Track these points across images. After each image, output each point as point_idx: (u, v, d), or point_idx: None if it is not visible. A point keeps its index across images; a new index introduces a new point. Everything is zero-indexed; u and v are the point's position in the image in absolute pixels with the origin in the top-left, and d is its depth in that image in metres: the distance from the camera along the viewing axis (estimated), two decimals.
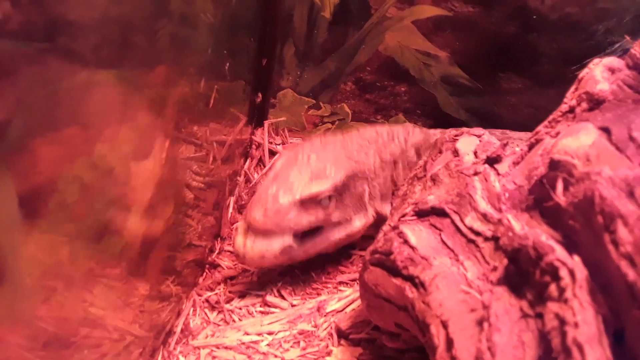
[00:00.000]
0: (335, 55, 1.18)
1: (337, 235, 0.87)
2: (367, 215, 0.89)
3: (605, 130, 0.47)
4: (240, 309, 0.84)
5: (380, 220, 0.90)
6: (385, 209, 0.91)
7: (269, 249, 0.80)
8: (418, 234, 0.60)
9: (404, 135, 0.97)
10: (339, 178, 0.84)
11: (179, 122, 0.75)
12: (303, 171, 0.84)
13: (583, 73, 0.59)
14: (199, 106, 0.83)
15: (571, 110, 0.58)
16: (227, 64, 0.92)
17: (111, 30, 0.53)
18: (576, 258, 0.40)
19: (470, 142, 0.70)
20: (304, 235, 0.84)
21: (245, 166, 1.13)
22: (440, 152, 0.73)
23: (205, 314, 0.83)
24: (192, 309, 0.83)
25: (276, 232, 0.80)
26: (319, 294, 0.87)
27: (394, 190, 0.92)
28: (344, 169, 0.86)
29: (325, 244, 0.87)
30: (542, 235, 0.43)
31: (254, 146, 1.19)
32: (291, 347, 0.77)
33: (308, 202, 0.81)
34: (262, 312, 0.83)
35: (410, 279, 0.57)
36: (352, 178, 0.86)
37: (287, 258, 0.83)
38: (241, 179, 1.11)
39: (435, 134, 0.96)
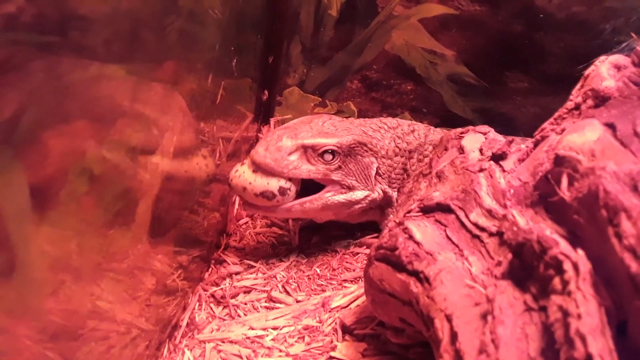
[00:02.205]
0: (342, 53, 1.18)
1: (336, 198, 0.89)
2: (373, 190, 0.91)
3: (611, 126, 0.47)
4: (245, 304, 0.84)
5: (385, 202, 0.93)
6: (393, 193, 0.93)
7: (252, 185, 0.84)
8: (423, 230, 0.60)
9: (424, 131, 0.99)
10: (347, 140, 0.87)
11: (187, 118, 0.75)
12: (314, 128, 0.89)
13: (589, 70, 0.59)
14: (206, 102, 0.83)
15: (577, 107, 0.58)
16: (234, 61, 0.93)
17: (121, 25, 0.53)
18: (580, 252, 0.40)
19: (475, 140, 0.70)
20: (303, 193, 0.87)
21: None
22: (446, 149, 0.73)
23: (211, 308, 0.84)
24: (197, 304, 0.84)
25: (275, 170, 0.84)
26: (323, 290, 0.87)
27: (404, 180, 0.94)
28: (354, 134, 0.89)
29: (321, 204, 0.88)
30: (547, 230, 0.44)
31: None
32: (296, 342, 0.77)
33: (310, 151, 0.86)
34: (267, 308, 0.84)
35: (415, 274, 0.57)
36: (361, 147, 0.89)
37: (273, 206, 0.86)
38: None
39: None
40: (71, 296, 0.52)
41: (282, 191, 0.85)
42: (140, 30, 0.59)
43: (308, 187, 0.88)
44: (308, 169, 0.86)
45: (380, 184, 0.92)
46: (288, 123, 0.93)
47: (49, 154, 0.45)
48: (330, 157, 0.86)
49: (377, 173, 0.91)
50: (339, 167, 0.88)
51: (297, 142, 0.85)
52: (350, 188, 0.89)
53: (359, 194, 0.90)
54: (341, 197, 0.89)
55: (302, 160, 0.85)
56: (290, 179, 0.85)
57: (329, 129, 0.89)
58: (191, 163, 0.79)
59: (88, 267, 0.55)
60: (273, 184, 0.84)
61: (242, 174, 0.86)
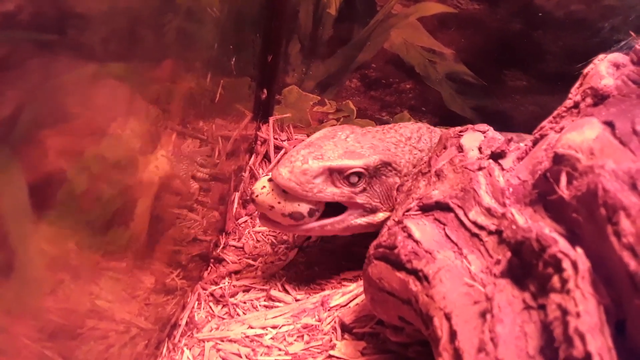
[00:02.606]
0: (341, 52, 1.18)
1: (358, 221, 0.86)
2: (392, 209, 0.86)
3: (609, 125, 0.47)
4: (244, 302, 0.84)
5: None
6: None
7: (282, 204, 0.81)
8: (422, 228, 0.60)
9: (428, 135, 0.96)
10: (373, 160, 0.83)
11: (185, 117, 0.75)
12: (339, 145, 0.84)
13: (588, 69, 0.59)
14: (205, 101, 0.83)
15: (576, 105, 0.58)
16: (233, 60, 0.93)
17: (119, 23, 0.53)
18: (579, 250, 0.40)
19: (474, 138, 0.70)
20: (326, 212, 0.84)
21: (250, 162, 1.14)
22: (445, 147, 0.73)
23: (210, 307, 0.84)
24: (197, 303, 0.84)
25: (298, 193, 0.80)
26: (323, 289, 0.87)
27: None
28: (379, 154, 0.85)
29: (343, 227, 0.86)
30: (546, 228, 0.44)
31: (259, 142, 1.19)
32: (295, 340, 0.77)
33: (336, 174, 0.81)
34: (266, 306, 0.84)
35: (414, 272, 0.57)
36: (386, 166, 0.85)
37: (297, 226, 0.83)
38: (246, 174, 1.11)
39: None
40: (70, 295, 0.52)
41: (311, 213, 0.82)
42: (139, 29, 0.59)
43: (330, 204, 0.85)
44: (333, 192, 0.82)
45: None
46: (311, 138, 0.90)
47: (48, 153, 0.45)
48: (356, 179, 0.82)
49: (397, 192, 0.86)
50: (364, 190, 0.84)
51: (325, 165, 0.81)
52: (373, 211, 0.85)
53: (381, 216, 0.86)
54: (363, 220, 0.86)
55: (327, 184, 0.82)
56: (319, 201, 0.83)
57: (354, 147, 0.85)
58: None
59: (87, 266, 0.55)
60: (304, 207, 0.81)
61: (271, 191, 0.82)
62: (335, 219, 0.85)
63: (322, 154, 0.82)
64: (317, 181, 0.81)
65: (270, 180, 0.83)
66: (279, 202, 0.81)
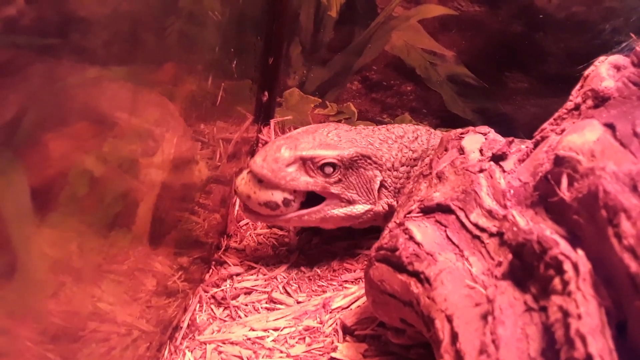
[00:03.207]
0: (342, 54, 1.18)
1: (335, 212, 0.87)
2: (376, 204, 0.88)
3: (610, 127, 0.47)
4: (246, 305, 0.84)
5: (391, 213, 0.90)
6: (395, 204, 0.91)
7: (257, 194, 0.84)
8: (423, 231, 0.60)
9: (426, 136, 0.97)
10: (348, 152, 0.84)
11: (187, 119, 0.76)
12: (317, 138, 0.86)
13: (589, 70, 0.59)
14: (206, 104, 0.83)
15: (576, 107, 0.58)
16: (234, 63, 0.93)
17: (121, 27, 0.53)
18: (580, 252, 0.40)
19: (476, 140, 0.70)
20: (305, 202, 0.85)
21: None
22: (446, 149, 0.74)
23: (212, 309, 0.84)
24: (198, 305, 0.84)
25: (272, 181, 0.83)
26: (324, 291, 0.87)
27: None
28: (357, 147, 0.86)
29: (320, 217, 0.87)
30: (547, 230, 0.44)
31: (260, 144, 1.20)
32: (297, 343, 0.77)
33: (310, 163, 0.83)
34: (267, 309, 0.84)
35: (416, 274, 0.57)
36: (365, 159, 0.86)
37: (275, 215, 0.85)
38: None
39: None
40: (72, 298, 0.52)
41: (286, 202, 0.84)
42: (140, 32, 0.59)
43: (317, 196, 0.87)
44: (306, 181, 0.84)
45: (385, 197, 0.89)
46: (293, 132, 0.92)
47: (50, 156, 0.45)
48: (331, 169, 0.84)
49: (382, 186, 0.89)
50: (339, 180, 0.85)
51: (296, 154, 0.83)
52: (350, 202, 0.87)
53: (359, 208, 0.87)
54: (340, 211, 0.87)
55: (301, 172, 0.84)
56: (295, 191, 0.84)
57: (332, 140, 0.86)
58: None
59: (89, 269, 0.55)
60: (277, 196, 0.83)
61: (248, 182, 0.85)
62: (312, 209, 0.86)
63: (296, 145, 0.84)
64: (290, 170, 0.83)
65: (249, 172, 0.85)
66: (254, 192, 0.84)
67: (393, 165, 0.89)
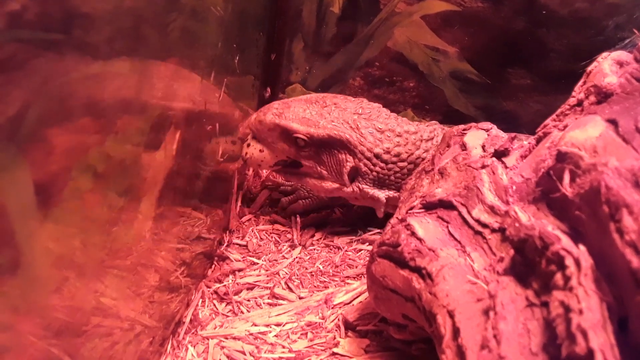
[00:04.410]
0: (344, 50, 1.19)
1: (309, 180, 0.96)
2: (346, 185, 0.93)
3: (613, 123, 0.47)
4: (248, 300, 0.85)
5: (372, 199, 0.94)
6: (381, 194, 0.93)
7: (252, 145, 0.96)
8: (425, 226, 0.60)
9: (428, 135, 0.96)
10: (319, 133, 0.90)
11: (189, 116, 0.76)
12: (307, 111, 0.93)
13: (592, 67, 0.59)
14: (209, 100, 0.84)
15: (579, 103, 0.58)
16: (237, 59, 0.93)
17: (124, 23, 0.53)
18: (582, 247, 0.40)
19: (478, 136, 0.70)
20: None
21: None
22: (449, 145, 0.74)
23: (214, 305, 0.84)
24: (201, 300, 0.84)
25: (258, 137, 0.95)
26: (326, 287, 0.88)
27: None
28: (332, 130, 0.91)
29: (297, 178, 0.97)
30: (549, 226, 0.44)
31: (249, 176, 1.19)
32: (299, 338, 0.77)
33: (287, 132, 0.91)
34: (270, 304, 0.84)
35: (418, 270, 0.57)
36: (337, 143, 0.91)
37: (263, 165, 0.97)
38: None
39: None
40: (75, 293, 0.52)
41: (272, 158, 0.95)
42: (143, 28, 0.59)
43: None
44: (283, 147, 0.93)
45: (359, 183, 0.93)
46: (300, 96, 0.98)
47: (53, 151, 0.45)
48: (303, 143, 0.91)
49: (357, 173, 0.92)
50: (311, 156, 0.92)
51: (275, 121, 0.91)
52: (320, 177, 0.94)
53: (328, 184, 0.94)
54: (312, 180, 0.95)
55: (280, 139, 0.92)
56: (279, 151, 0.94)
57: (316, 117, 0.92)
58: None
59: (92, 264, 0.55)
60: (266, 153, 0.95)
61: (250, 139, 0.96)
62: (292, 169, 0.96)
63: (283, 113, 0.92)
64: (273, 133, 0.92)
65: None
66: (250, 144, 0.96)
67: (376, 156, 0.91)
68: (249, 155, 0.96)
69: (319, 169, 0.93)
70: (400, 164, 0.92)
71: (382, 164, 0.92)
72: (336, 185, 0.94)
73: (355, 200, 0.97)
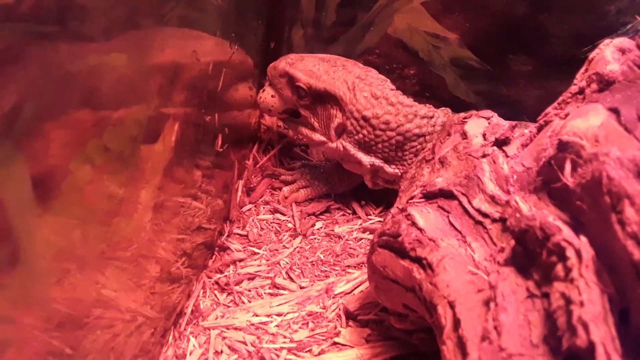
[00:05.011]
0: (344, 37, 1.17)
1: (302, 129, 1.03)
2: (331, 140, 0.99)
3: (615, 111, 0.47)
4: (249, 290, 0.85)
5: (355, 161, 0.97)
6: (365, 158, 0.96)
7: (266, 89, 1.04)
8: (426, 216, 0.60)
9: (442, 120, 0.96)
10: (317, 85, 0.97)
11: (188, 105, 0.75)
12: (315, 66, 0.99)
13: (593, 54, 0.58)
14: (208, 89, 0.83)
15: (581, 91, 0.57)
16: (235, 47, 0.92)
17: (120, 13, 0.53)
18: (583, 238, 0.40)
19: (479, 125, 0.70)
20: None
21: (254, 149, 1.14)
22: (449, 134, 0.73)
23: (215, 295, 0.84)
24: (202, 291, 0.84)
25: (271, 82, 1.03)
26: (327, 277, 0.88)
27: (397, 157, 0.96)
28: (329, 84, 0.96)
29: (294, 127, 1.04)
30: (550, 216, 0.43)
31: (262, 130, 1.19)
32: (300, 328, 0.78)
33: (292, 80, 0.99)
34: (271, 294, 0.84)
35: (418, 260, 0.57)
36: (331, 98, 0.96)
37: (273, 111, 1.05)
38: (250, 162, 1.11)
39: None
40: (76, 285, 0.52)
41: (282, 106, 1.03)
42: (140, 18, 0.58)
43: None
44: (287, 94, 1.01)
45: (344, 140, 0.97)
46: (318, 54, 1.04)
47: (50, 145, 0.45)
48: (303, 93, 0.98)
49: (343, 129, 0.97)
50: (307, 106, 0.99)
51: (286, 69, 0.99)
52: (312, 128, 1.01)
53: (317, 137, 1.00)
54: (304, 130, 1.02)
55: (287, 86, 1.00)
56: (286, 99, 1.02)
57: (321, 71, 0.98)
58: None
59: (92, 256, 0.55)
60: (277, 99, 1.03)
61: (267, 86, 1.04)
62: (292, 118, 1.04)
63: (294, 63, 1.00)
64: (282, 80, 1.00)
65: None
66: (263, 90, 1.05)
67: (364, 118, 0.94)
68: (262, 99, 1.04)
69: (312, 120, 1.00)
70: (389, 133, 0.93)
71: (370, 128, 0.94)
72: (323, 138, 1.00)
73: (342, 160, 1.01)
